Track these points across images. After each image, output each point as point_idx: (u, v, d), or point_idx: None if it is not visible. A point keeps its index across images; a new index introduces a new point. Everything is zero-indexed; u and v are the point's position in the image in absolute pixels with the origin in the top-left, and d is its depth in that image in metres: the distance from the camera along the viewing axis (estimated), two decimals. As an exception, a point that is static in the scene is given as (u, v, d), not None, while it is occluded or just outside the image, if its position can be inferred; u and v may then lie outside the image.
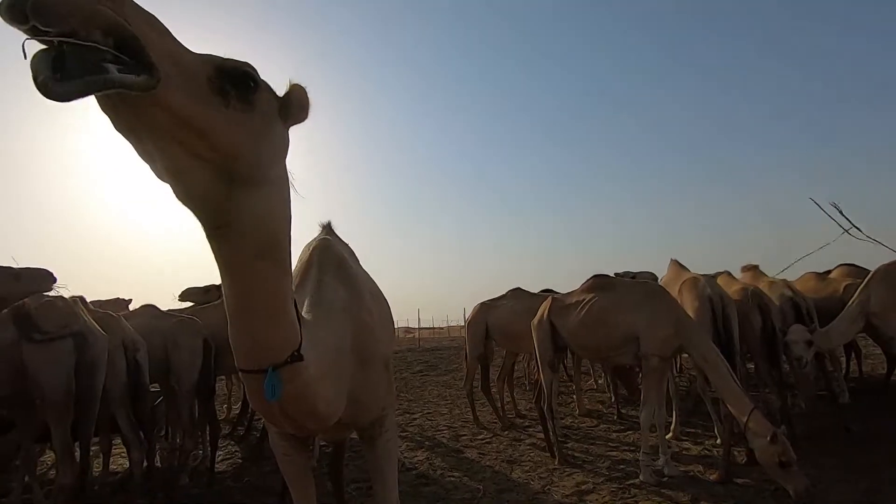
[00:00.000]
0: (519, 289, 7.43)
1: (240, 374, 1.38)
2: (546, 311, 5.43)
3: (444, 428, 7.09)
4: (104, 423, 4.40)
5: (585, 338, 5.07)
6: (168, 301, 7.31)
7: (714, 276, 6.20)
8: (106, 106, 0.88)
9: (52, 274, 4.12)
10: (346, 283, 2.02)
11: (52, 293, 4.22)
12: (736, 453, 4.83)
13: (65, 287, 4.28)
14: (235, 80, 1.06)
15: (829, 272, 7.21)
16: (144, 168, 1.04)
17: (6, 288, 3.90)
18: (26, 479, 4.52)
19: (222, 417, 7.71)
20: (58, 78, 0.71)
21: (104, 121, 0.91)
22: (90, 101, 0.84)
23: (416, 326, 30.09)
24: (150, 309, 5.24)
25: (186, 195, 1.08)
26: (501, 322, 7.06)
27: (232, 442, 6.60)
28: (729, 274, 6.64)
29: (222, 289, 1.23)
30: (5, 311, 3.87)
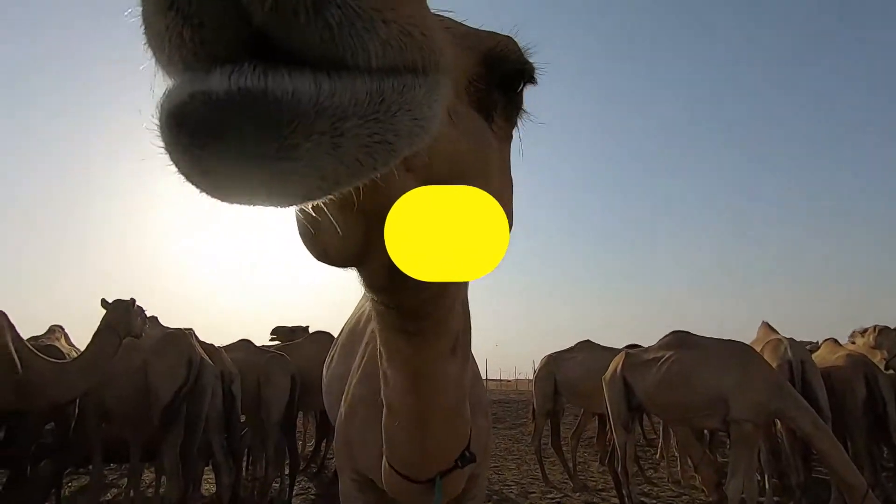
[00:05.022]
0: (589, 341, 7.23)
1: (397, 480, 1.14)
2: (619, 367, 5.26)
3: (512, 484, 6.88)
4: (200, 448, 4.83)
5: (664, 398, 4.83)
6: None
7: (811, 343, 5.81)
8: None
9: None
10: None
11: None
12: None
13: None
14: (509, 78, 0.71)
15: None
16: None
17: (127, 319, 4.49)
18: (131, 493, 5.02)
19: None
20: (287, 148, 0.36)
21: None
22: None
23: (484, 378, 29.49)
24: (245, 343, 5.77)
25: (393, 287, 0.72)
26: (570, 377, 6.88)
27: (305, 478, 6.85)
28: (835, 341, 6.12)
29: (390, 391, 0.99)
30: (131, 339, 4.48)
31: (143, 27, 0.34)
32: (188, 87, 0.32)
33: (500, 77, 0.70)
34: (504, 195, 0.75)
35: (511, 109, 0.74)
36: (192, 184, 0.35)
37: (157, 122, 0.34)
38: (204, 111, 0.31)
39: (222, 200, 0.36)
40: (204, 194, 0.35)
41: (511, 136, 0.78)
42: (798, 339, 6.36)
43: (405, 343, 0.87)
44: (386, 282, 0.71)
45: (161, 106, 0.34)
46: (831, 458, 3.81)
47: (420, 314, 0.82)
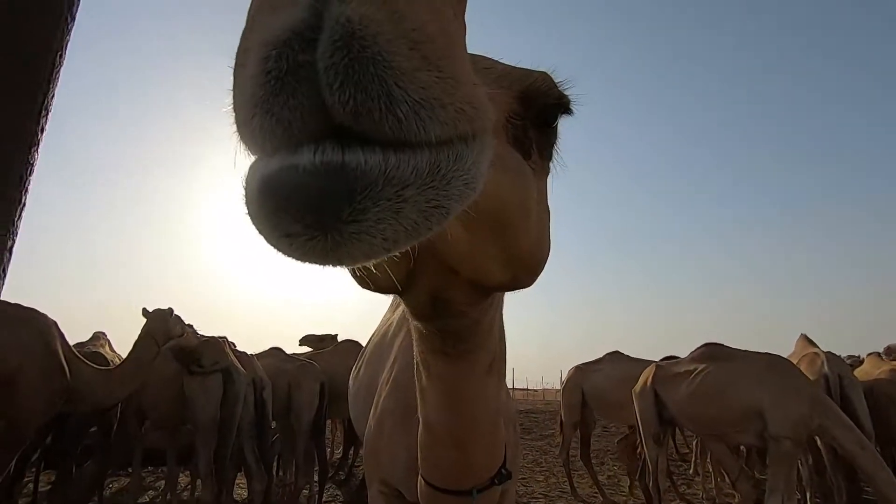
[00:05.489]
0: (618, 352, 7.10)
1: (431, 493, 1.13)
2: (650, 380, 5.16)
3: (539, 496, 6.79)
4: (232, 453, 4.98)
5: (697, 412, 4.70)
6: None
7: (853, 357, 5.57)
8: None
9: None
10: None
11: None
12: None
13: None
14: (545, 113, 0.74)
15: None
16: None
17: (166, 328, 4.68)
18: (168, 496, 5.20)
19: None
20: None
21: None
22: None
23: (510, 387, 29.28)
24: (276, 351, 5.92)
25: (436, 315, 0.79)
26: (598, 388, 6.76)
27: (333, 485, 6.93)
28: (879, 355, 5.86)
29: (428, 409, 1.01)
30: (168, 345, 4.67)
31: (236, 120, 0.38)
32: (278, 162, 0.36)
33: (536, 113, 0.73)
34: (542, 226, 0.77)
35: (547, 143, 0.77)
36: (274, 246, 0.38)
37: (244, 192, 0.38)
38: (292, 181, 0.35)
39: (299, 260, 0.39)
40: (283, 255, 0.39)
41: (548, 169, 0.80)
42: (843, 354, 6.13)
43: (445, 363, 0.90)
44: (429, 309, 0.77)
45: (249, 179, 0.38)
46: (876, 479, 3.65)
47: (461, 337, 0.85)
